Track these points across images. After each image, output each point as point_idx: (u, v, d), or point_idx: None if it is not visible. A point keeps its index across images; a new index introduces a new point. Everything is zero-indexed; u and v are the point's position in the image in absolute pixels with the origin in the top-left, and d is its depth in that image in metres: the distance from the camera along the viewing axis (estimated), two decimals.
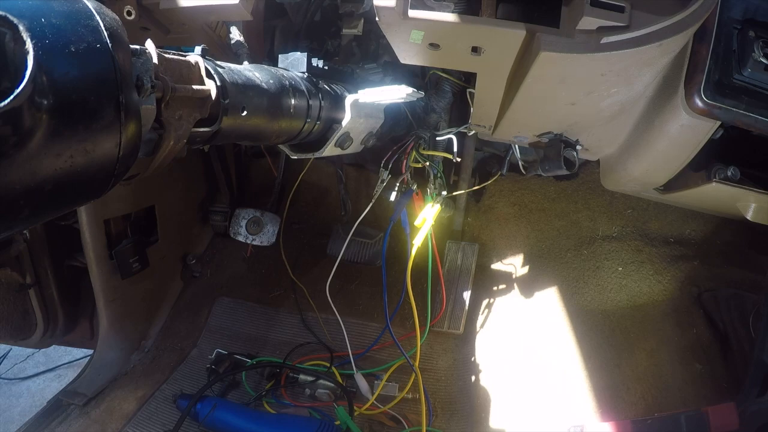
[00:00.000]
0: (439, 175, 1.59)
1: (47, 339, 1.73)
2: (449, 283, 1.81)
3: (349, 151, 1.32)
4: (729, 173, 1.19)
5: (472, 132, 1.50)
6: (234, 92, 0.81)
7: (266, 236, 1.89)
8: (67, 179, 0.49)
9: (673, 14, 0.90)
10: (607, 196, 1.87)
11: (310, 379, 1.60)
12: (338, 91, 1.22)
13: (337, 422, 1.43)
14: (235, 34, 1.28)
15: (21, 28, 0.42)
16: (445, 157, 1.60)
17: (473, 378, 1.64)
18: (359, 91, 1.21)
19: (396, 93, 1.18)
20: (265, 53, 1.58)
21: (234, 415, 1.45)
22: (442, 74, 1.42)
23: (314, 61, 1.22)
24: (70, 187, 0.51)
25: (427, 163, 1.56)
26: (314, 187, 2.16)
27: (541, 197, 1.96)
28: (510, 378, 1.60)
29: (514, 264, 1.89)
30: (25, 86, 0.41)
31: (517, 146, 1.60)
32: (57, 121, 0.45)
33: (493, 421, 1.51)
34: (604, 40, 0.90)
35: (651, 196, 1.55)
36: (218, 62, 0.84)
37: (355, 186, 2.10)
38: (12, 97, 0.40)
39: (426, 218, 1.47)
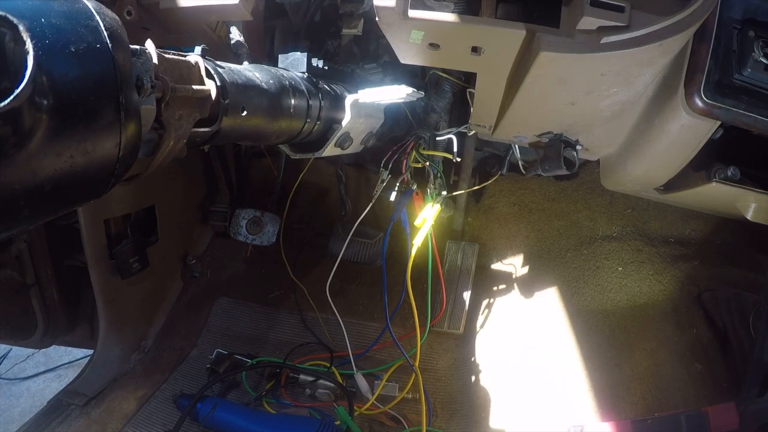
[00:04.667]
0: (439, 175, 1.59)
1: (47, 339, 1.73)
2: (449, 283, 1.81)
3: (349, 151, 1.32)
4: (729, 173, 1.19)
5: (472, 132, 1.50)
6: (234, 92, 0.81)
7: (266, 236, 1.89)
8: (67, 179, 0.49)
9: (673, 14, 0.90)
10: (607, 196, 1.87)
11: (310, 379, 1.60)
12: (338, 91, 1.22)
13: (337, 422, 1.43)
14: (235, 34, 1.28)
15: (21, 28, 0.42)
16: (445, 157, 1.60)
17: (473, 378, 1.64)
18: (359, 91, 1.21)
19: (396, 93, 1.18)
20: (265, 53, 1.59)
21: (234, 415, 1.45)
22: (442, 74, 1.42)
23: (314, 61, 1.22)
24: (70, 188, 0.51)
25: (427, 163, 1.56)
26: (314, 187, 2.16)
27: (541, 197, 1.96)
28: (510, 378, 1.60)
29: (514, 264, 1.89)
30: (25, 86, 0.41)
31: (517, 146, 1.60)
32: (57, 121, 0.45)
33: (493, 421, 1.51)
34: (604, 40, 0.90)
35: (651, 196, 1.55)
36: (218, 62, 0.84)
37: (355, 186, 2.10)
38: (12, 97, 0.40)
39: (426, 218, 1.47)
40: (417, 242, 1.44)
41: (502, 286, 1.84)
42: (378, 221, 1.92)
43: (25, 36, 0.42)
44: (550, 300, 1.74)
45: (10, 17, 0.42)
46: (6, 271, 1.56)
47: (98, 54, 0.50)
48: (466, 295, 1.79)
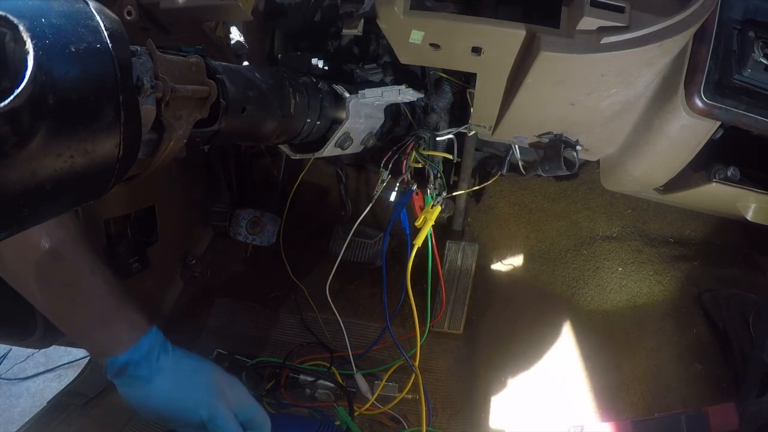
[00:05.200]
0: (439, 175, 1.59)
1: (47, 339, 1.72)
2: (449, 283, 1.81)
3: (349, 151, 1.32)
4: (729, 173, 1.19)
5: (472, 132, 1.51)
6: (234, 92, 0.81)
7: (266, 236, 1.89)
8: (67, 179, 0.49)
9: (673, 14, 0.91)
10: (607, 197, 1.87)
11: (310, 379, 1.60)
12: (338, 91, 1.23)
13: (337, 422, 1.43)
14: (235, 35, 1.28)
15: (21, 28, 0.42)
16: (445, 158, 1.60)
17: (473, 378, 1.64)
18: (359, 92, 1.21)
19: (396, 93, 1.18)
20: (265, 53, 1.58)
21: None
22: (442, 74, 1.42)
23: (314, 61, 1.22)
24: (70, 187, 0.51)
25: (427, 164, 1.56)
26: (314, 187, 2.16)
27: (541, 197, 1.96)
28: (510, 378, 1.60)
29: (514, 264, 1.89)
30: (25, 86, 0.41)
31: (517, 146, 1.60)
32: (57, 121, 0.45)
33: (493, 422, 1.51)
34: (604, 40, 0.90)
35: (651, 196, 1.55)
36: (218, 62, 0.84)
37: (355, 186, 2.10)
38: (12, 96, 0.40)
39: (426, 218, 1.47)
40: (417, 242, 1.44)
41: (502, 287, 1.84)
42: (378, 221, 1.92)
43: (26, 36, 0.42)
44: (550, 300, 1.74)
45: (11, 17, 0.42)
46: None
47: (99, 54, 0.50)
48: (466, 295, 1.79)
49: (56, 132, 0.45)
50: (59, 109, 0.45)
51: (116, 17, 0.54)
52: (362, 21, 1.46)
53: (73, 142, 0.48)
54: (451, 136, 1.54)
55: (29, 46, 0.42)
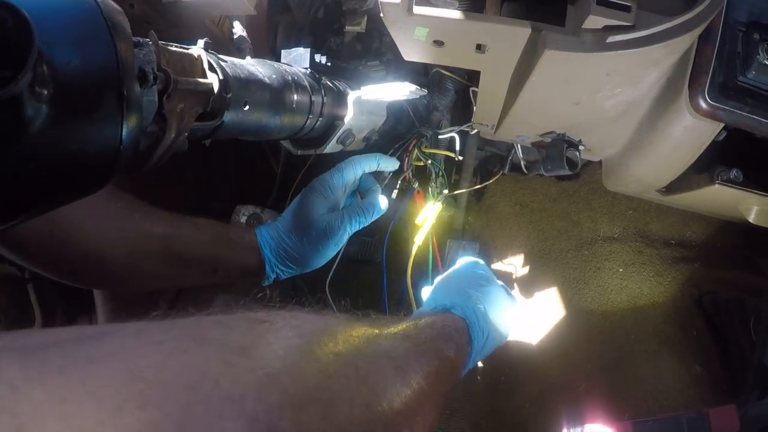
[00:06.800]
0: (440, 173, 1.58)
1: None
2: None
3: (350, 148, 1.31)
4: (732, 175, 1.18)
5: (475, 131, 1.50)
6: (236, 86, 0.81)
7: None
8: (67, 171, 0.49)
9: (680, 15, 0.90)
10: (608, 197, 1.86)
11: None
12: (341, 87, 1.22)
13: None
14: (238, 29, 1.27)
15: (23, 15, 0.42)
16: (447, 156, 1.59)
17: (473, 378, 1.63)
18: (362, 88, 1.20)
19: (399, 90, 1.17)
20: (268, 49, 1.58)
21: None
22: (445, 72, 1.41)
23: (317, 58, 1.21)
24: (69, 179, 0.50)
25: (429, 162, 1.55)
26: None
27: (542, 197, 1.95)
28: (510, 378, 1.60)
29: (514, 264, 1.88)
30: (25, 74, 0.40)
31: (519, 146, 1.60)
32: (57, 111, 0.44)
33: (493, 421, 1.51)
34: (610, 39, 0.90)
35: (653, 197, 1.54)
36: (221, 56, 0.83)
37: None
38: (12, 84, 0.39)
39: (427, 217, 1.46)
40: (418, 241, 1.43)
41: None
42: (378, 220, 1.91)
43: (28, 24, 0.42)
44: (550, 300, 1.74)
45: (12, 4, 0.41)
46: (4, 265, 1.55)
47: (100, 44, 0.49)
48: None
49: (56, 122, 0.45)
50: (59, 99, 0.44)
51: (119, 8, 0.53)
52: (366, 18, 1.45)
53: (73, 132, 0.47)
54: (453, 134, 1.53)
55: (31, 33, 0.41)
